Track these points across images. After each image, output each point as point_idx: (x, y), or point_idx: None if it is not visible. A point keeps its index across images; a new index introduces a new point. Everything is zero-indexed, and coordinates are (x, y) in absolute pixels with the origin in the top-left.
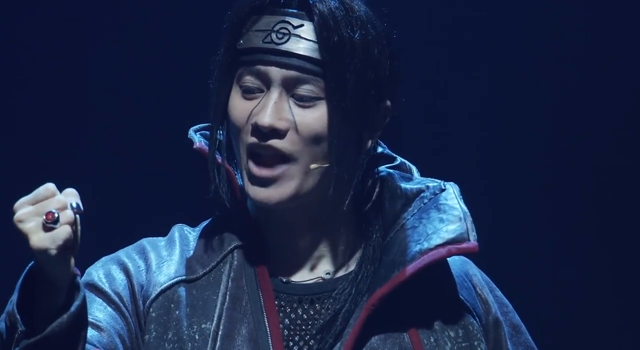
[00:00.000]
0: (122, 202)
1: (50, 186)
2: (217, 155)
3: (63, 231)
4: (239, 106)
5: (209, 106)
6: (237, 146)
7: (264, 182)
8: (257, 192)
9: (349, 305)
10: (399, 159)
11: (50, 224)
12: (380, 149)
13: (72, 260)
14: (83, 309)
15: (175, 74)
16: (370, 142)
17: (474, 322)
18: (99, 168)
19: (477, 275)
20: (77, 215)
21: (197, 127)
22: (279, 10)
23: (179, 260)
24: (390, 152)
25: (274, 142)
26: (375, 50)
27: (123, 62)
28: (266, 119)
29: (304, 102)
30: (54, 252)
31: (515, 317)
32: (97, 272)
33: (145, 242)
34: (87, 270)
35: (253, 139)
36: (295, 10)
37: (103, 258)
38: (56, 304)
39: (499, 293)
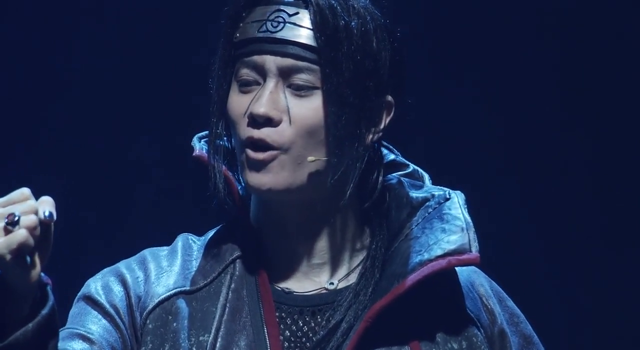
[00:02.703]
0: (127, 208)
1: (24, 190)
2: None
3: (19, 235)
4: (236, 101)
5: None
6: (236, 141)
7: (258, 167)
8: (252, 178)
9: (349, 318)
10: (412, 167)
11: (9, 225)
12: (392, 156)
13: (35, 270)
14: (52, 318)
15: (175, 76)
16: (370, 137)
17: (478, 333)
18: (101, 172)
19: (485, 285)
20: (51, 225)
21: (202, 134)
22: (274, 0)
23: (179, 271)
24: (403, 159)
25: (267, 134)
26: (373, 41)
27: (119, 64)
28: (261, 108)
29: (301, 91)
30: (7, 257)
31: (527, 327)
32: (95, 284)
33: (147, 252)
34: (86, 282)
35: (250, 131)
36: None
37: (104, 270)
38: (21, 313)
39: (510, 303)
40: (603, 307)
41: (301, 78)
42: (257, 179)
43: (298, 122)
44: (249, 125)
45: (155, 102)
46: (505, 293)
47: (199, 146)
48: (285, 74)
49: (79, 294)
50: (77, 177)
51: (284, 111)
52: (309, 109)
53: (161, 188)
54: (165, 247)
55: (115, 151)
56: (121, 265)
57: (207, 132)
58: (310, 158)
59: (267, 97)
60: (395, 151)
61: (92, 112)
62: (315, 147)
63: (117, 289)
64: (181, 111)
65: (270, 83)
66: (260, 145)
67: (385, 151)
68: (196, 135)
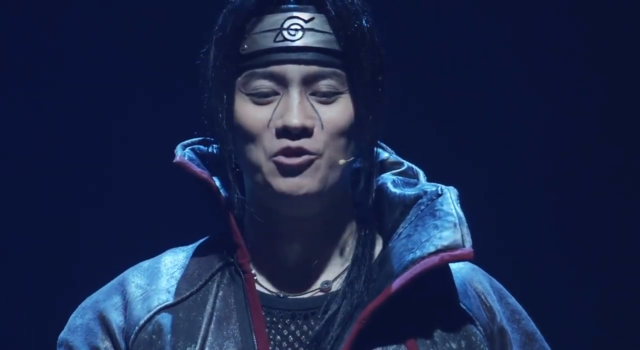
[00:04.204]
0: (125, 210)
1: None
2: (201, 170)
3: None
4: (251, 113)
5: (211, 121)
6: (256, 153)
7: (294, 172)
8: (286, 183)
9: (340, 319)
10: (406, 164)
11: None
12: (385, 155)
13: None
14: None
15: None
16: (379, 133)
17: (477, 332)
18: (100, 173)
19: (484, 282)
20: None
21: (187, 142)
22: (282, 7)
23: (161, 286)
24: (397, 157)
25: (304, 142)
26: (375, 37)
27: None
28: (295, 119)
29: (327, 98)
30: None
31: (529, 324)
32: (75, 327)
33: (126, 273)
34: (67, 323)
35: (283, 143)
36: (298, 5)
37: (83, 304)
38: None
39: (511, 300)
40: (609, 306)
41: (325, 84)
42: (293, 184)
43: (330, 127)
44: (279, 136)
45: (155, 103)
46: (506, 290)
47: (180, 153)
48: (308, 82)
49: (61, 337)
50: (77, 178)
51: (316, 118)
52: (338, 113)
53: (159, 190)
54: (147, 261)
55: (113, 153)
56: (100, 297)
57: (192, 140)
58: (341, 161)
59: (298, 108)
60: (389, 149)
61: (90, 114)
62: (344, 150)
63: (97, 327)
64: (180, 113)
65: (294, 93)
66: (297, 152)
67: (378, 150)
68: (181, 143)
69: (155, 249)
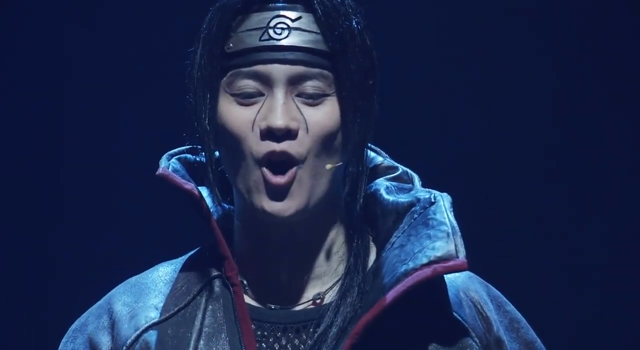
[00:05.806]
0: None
1: None
2: (184, 181)
3: None
4: (236, 114)
5: (195, 122)
6: (240, 159)
7: (279, 193)
8: (272, 205)
9: (333, 334)
10: (401, 169)
11: None
12: (380, 159)
13: None
14: None
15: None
16: (368, 136)
17: (473, 343)
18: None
19: (480, 291)
20: None
21: (174, 151)
22: (269, 6)
23: (149, 303)
24: (391, 161)
25: (288, 146)
26: (367, 38)
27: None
28: (279, 121)
29: (313, 99)
30: None
31: (529, 332)
32: None
33: (114, 291)
34: (59, 348)
35: (268, 146)
36: (286, 4)
37: (73, 326)
38: None
39: (510, 308)
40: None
41: (311, 85)
42: (280, 206)
43: (315, 131)
44: (263, 138)
45: (155, 104)
46: (504, 297)
47: (164, 164)
48: (294, 83)
49: None
50: (77, 178)
51: (301, 121)
52: (324, 115)
53: (162, 191)
54: (135, 277)
55: (114, 153)
56: (88, 319)
57: (179, 148)
58: (328, 166)
59: (282, 108)
60: (383, 153)
61: (90, 114)
62: (328, 155)
63: None
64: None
65: (279, 93)
66: (281, 160)
67: (372, 154)
68: (167, 153)
69: (156, 249)
